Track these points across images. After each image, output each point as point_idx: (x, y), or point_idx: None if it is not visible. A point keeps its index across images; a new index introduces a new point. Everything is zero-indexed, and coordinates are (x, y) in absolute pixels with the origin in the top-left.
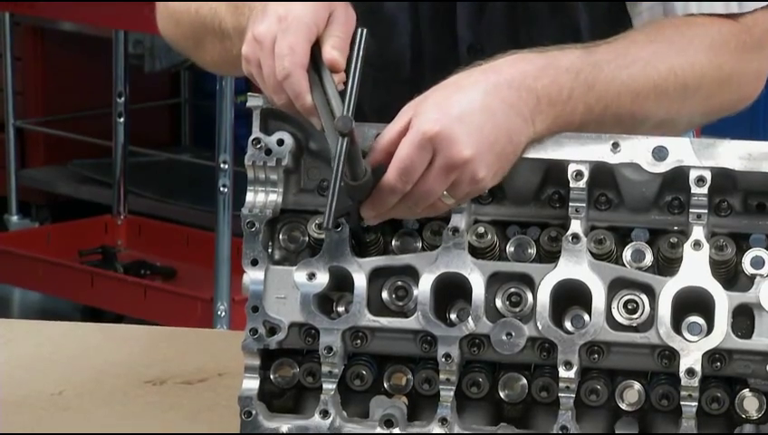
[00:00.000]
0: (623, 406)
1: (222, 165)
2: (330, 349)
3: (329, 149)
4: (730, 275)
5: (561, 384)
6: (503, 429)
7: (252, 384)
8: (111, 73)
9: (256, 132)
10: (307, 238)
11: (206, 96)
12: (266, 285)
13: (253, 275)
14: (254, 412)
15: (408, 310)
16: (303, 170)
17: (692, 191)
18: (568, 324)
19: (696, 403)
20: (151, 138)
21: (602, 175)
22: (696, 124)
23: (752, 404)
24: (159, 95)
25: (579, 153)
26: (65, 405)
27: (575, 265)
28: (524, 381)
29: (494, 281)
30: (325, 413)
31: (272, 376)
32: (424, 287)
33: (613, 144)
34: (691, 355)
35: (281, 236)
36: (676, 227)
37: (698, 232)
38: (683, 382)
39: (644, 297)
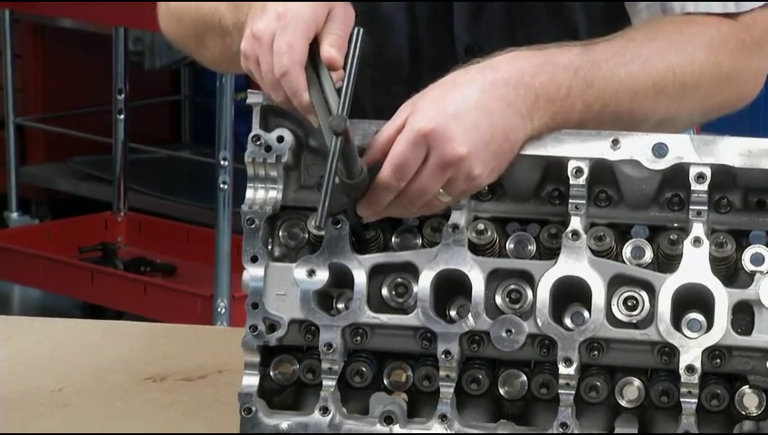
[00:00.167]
0: (623, 403)
1: (222, 162)
2: (329, 346)
3: (328, 146)
4: (730, 272)
5: (561, 381)
6: (502, 425)
7: (252, 381)
8: (111, 70)
9: (256, 129)
10: (307, 235)
11: (207, 93)
12: (266, 282)
13: (253, 272)
14: (253, 409)
15: (407, 307)
16: (303, 167)
17: (692, 188)
18: (568, 321)
19: (696, 400)
20: (151, 135)
21: (602, 172)
22: (696, 123)
23: (751, 401)
24: (159, 92)
25: (579, 150)
26: (65, 402)
27: (575, 262)
28: (524, 377)
29: (494, 278)
30: (325, 410)
31: (272, 373)
32: (424, 284)
33: (613, 141)
34: (691, 352)
35: (281, 233)
36: (675, 224)
37: (698, 229)
38: (683, 379)
39: (644, 294)
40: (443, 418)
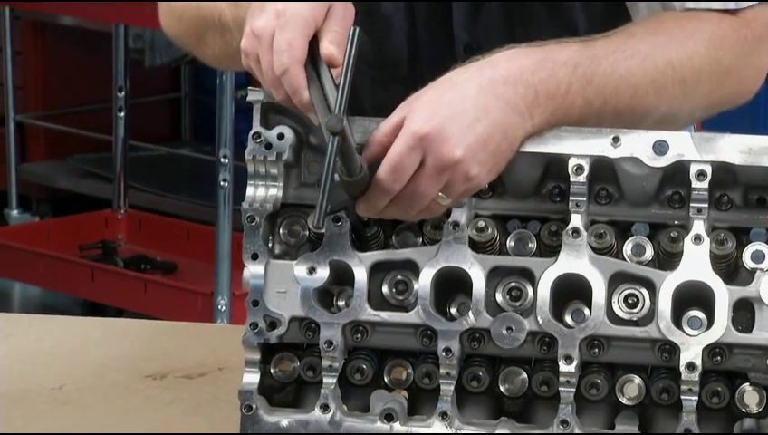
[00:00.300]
0: (623, 400)
1: (222, 159)
2: (330, 343)
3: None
4: (730, 270)
5: (562, 378)
6: (503, 423)
7: (252, 378)
8: (112, 68)
9: (257, 126)
10: (307, 233)
11: (207, 90)
12: (267, 280)
13: (253, 270)
14: (254, 406)
15: (408, 304)
16: (304, 164)
17: (692, 185)
18: (568, 319)
19: (697, 397)
20: (152, 132)
21: (603, 169)
22: (697, 118)
23: (752, 398)
24: (160, 90)
25: (579, 147)
26: (66, 399)
27: (575, 260)
28: (525, 375)
29: (495, 275)
30: (325, 407)
31: (272, 370)
32: (424, 281)
33: (614, 138)
34: (691, 349)
35: (281, 231)
36: (676, 222)
37: (699, 226)
38: (683, 377)
39: (644, 291)
40: (443, 415)
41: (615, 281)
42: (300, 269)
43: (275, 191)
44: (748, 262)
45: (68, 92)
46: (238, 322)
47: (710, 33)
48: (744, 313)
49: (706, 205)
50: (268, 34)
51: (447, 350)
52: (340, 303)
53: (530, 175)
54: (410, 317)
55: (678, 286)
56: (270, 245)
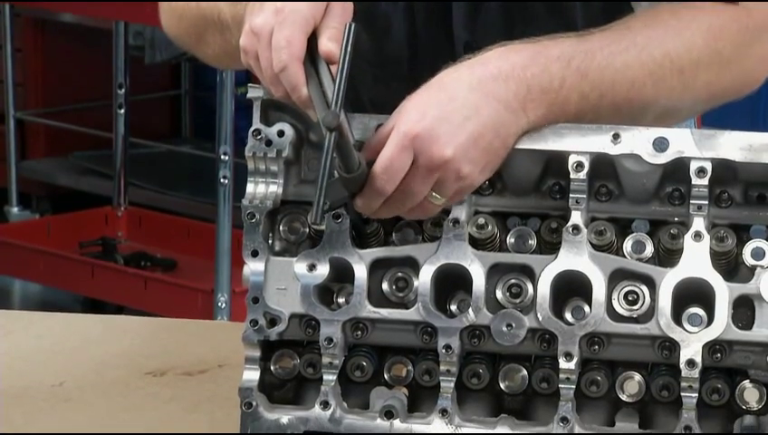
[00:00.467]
0: (623, 397)
1: (222, 156)
2: (330, 340)
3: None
4: (730, 267)
5: (562, 375)
6: (503, 420)
7: (252, 375)
8: (112, 65)
9: (257, 123)
10: (307, 230)
11: (207, 88)
12: (267, 277)
13: (253, 267)
14: (254, 403)
15: (408, 301)
16: (304, 161)
17: (692, 182)
18: (568, 316)
19: (697, 394)
20: (152, 129)
21: (603, 166)
22: (700, 111)
23: (752, 395)
24: (160, 87)
25: (579, 144)
26: (66, 396)
27: (575, 257)
28: (525, 372)
29: (495, 272)
30: (325, 404)
31: (272, 367)
32: (424, 278)
33: (614, 135)
34: (691, 346)
35: (281, 228)
36: (676, 219)
37: (699, 223)
38: (683, 374)
39: (644, 288)
40: (443, 412)
41: (615, 278)
42: (300, 266)
43: (275, 188)
44: (748, 259)
45: (68, 90)
46: (238, 319)
47: (709, 23)
48: (744, 310)
49: (707, 202)
50: (267, 32)
51: (447, 347)
52: (341, 300)
53: (530, 172)
54: (410, 314)
55: (678, 283)
56: (270, 242)
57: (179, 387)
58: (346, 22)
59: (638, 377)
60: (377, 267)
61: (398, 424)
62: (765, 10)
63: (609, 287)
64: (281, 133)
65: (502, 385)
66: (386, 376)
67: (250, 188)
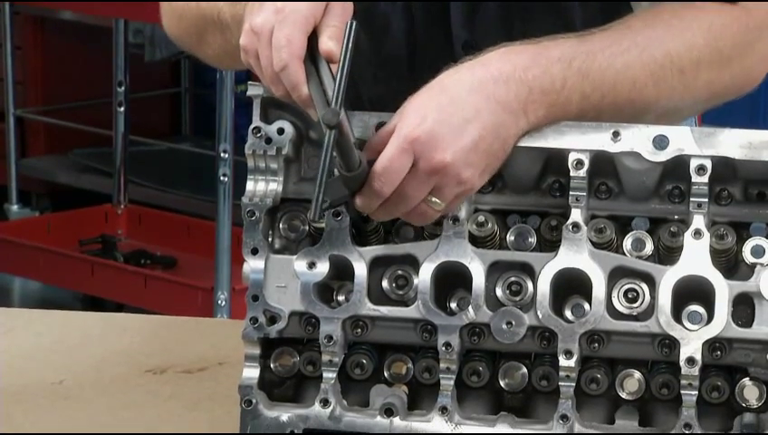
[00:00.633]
0: (623, 395)
1: (222, 154)
2: (330, 338)
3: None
4: (730, 264)
5: (562, 373)
6: (503, 418)
7: (252, 373)
8: (112, 63)
9: (256, 121)
10: (307, 227)
11: (207, 85)
12: (266, 274)
13: (253, 265)
14: (254, 401)
15: (408, 299)
16: (304, 159)
17: (692, 180)
18: (568, 313)
19: (697, 392)
20: (151, 127)
21: (603, 164)
22: (701, 110)
23: (752, 393)
24: (160, 84)
25: (579, 142)
26: (66, 394)
27: (575, 254)
28: (525, 370)
29: (495, 270)
30: (325, 402)
31: (272, 365)
32: (424, 276)
33: (614, 133)
34: (691, 344)
35: (281, 225)
36: (676, 216)
37: (699, 221)
38: (683, 371)
39: (644, 286)
40: (443, 410)
41: (615, 276)
42: (300, 264)
43: (275, 186)
44: (748, 256)
45: (68, 87)
46: (238, 316)
47: (709, 22)
48: (743, 307)
49: (706, 199)
50: (267, 31)
51: (447, 344)
52: (340, 297)
53: (530, 170)
54: (410, 312)
55: (678, 281)
56: (270, 239)
57: (179, 385)
58: (346, 21)
59: (637, 375)
60: (377, 265)
61: (397, 422)
62: (765, 9)
63: (608, 285)
64: (281, 131)
65: (502, 383)
66: (386, 374)
67: (250, 185)
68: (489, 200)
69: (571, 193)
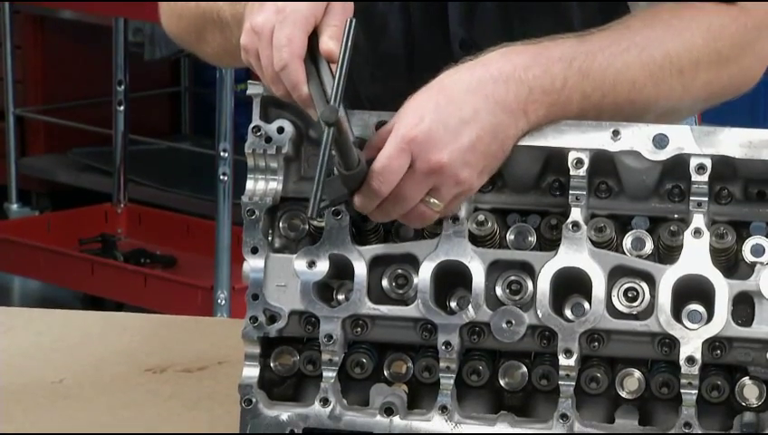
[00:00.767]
0: (623, 394)
1: (222, 153)
2: (330, 337)
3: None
4: (730, 263)
5: (562, 372)
6: (503, 417)
7: (252, 372)
8: (111, 62)
9: (256, 120)
10: (307, 226)
11: (207, 84)
12: (266, 273)
13: (253, 264)
14: (254, 400)
15: (408, 298)
16: (304, 158)
17: (692, 179)
18: (568, 312)
19: (696, 391)
20: (151, 126)
21: (603, 163)
22: (699, 110)
23: (752, 392)
24: (159, 83)
25: (579, 141)
26: (65, 393)
27: (575, 253)
28: (524, 369)
29: (495, 269)
30: (325, 401)
31: (272, 364)
32: (424, 275)
33: (613, 132)
34: (691, 343)
35: (281, 224)
36: (676, 215)
37: (699, 220)
38: (683, 370)
39: (644, 285)
40: (443, 409)
41: (615, 275)
42: (300, 263)
43: (275, 185)
44: (748, 255)
45: (68, 86)
46: (238, 316)
47: (708, 22)
48: (743, 306)
49: (706, 198)
50: (268, 30)
51: (447, 344)
52: (340, 296)
53: (530, 169)
54: (410, 311)
55: (678, 280)
56: (270, 238)
57: (179, 384)
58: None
59: (637, 374)
60: (377, 264)
61: (397, 421)
62: (763, 9)
63: (608, 284)
64: (280, 130)
65: (501, 382)
66: (386, 373)
67: (250, 184)
68: (489, 199)
69: (570, 192)
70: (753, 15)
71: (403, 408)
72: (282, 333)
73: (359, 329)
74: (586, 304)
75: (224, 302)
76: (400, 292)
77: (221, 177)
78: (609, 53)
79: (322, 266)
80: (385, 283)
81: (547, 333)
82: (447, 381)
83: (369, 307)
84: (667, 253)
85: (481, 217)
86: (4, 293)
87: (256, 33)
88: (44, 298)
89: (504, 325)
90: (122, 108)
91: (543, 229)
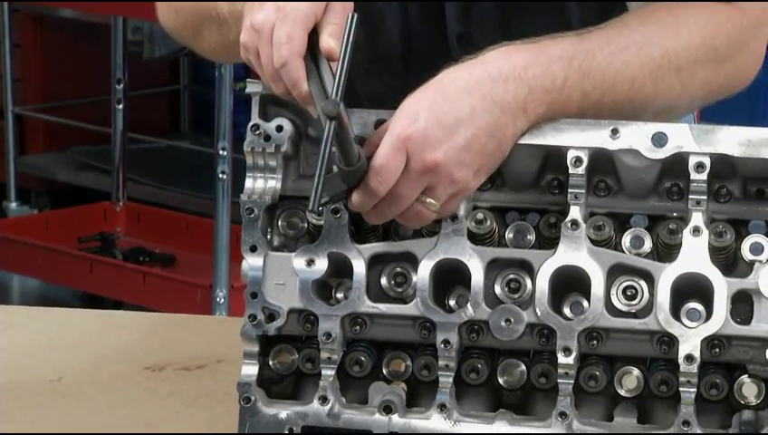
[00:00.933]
0: (622, 392)
1: (221, 152)
2: (329, 335)
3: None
4: (729, 262)
5: (560, 371)
6: (501, 415)
7: (251, 371)
8: (110, 60)
9: (255, 118)
10: (306, 225)
11: (206, 83)
12: (265, 272)
13: (252, 262)
14: (252, 399)
15: (407, 296)
16: (302, 157)
17: (691, 177)
18: (567, 311)
19: (695, 389)
20: (150, 125)
21: (602, 161)
22: (696, 107)
23: (750, 390)
24: (158, 82)
25: (578, 139)
26: (64, 392)
27: (574, 252)
28: (523, 367)
29: (494, 267)
30: (324, 399)
31: (271, 362)
32: (423, 274)
33: (612, 130)
34: (690, 341)
35: (280, 223)
36: (675, 214)
37: (697, 218)
38: (682, 369)
39: (643, 283)
40: (442, 407)
41: (614, 273)
42: (298, 261)
43: (274, 183)
44: (747, 254)
45: (67, 85)
46: (237, 314)
47: (705, 21)
48: (742, 305)
49: (705, 197)
50: (268, 28)
51: (446, 342)
52: (339, 295)
53: (529, 167)
54: (409, 309)
55: (677, 278)
56: (269, 237)
57: (178, 382)
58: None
59: (636, 372)
60: (375, 262)
61: (396, 419)
62: (759, 8)
63: (607, 282)
64: (279, 128)
65: (500, 380)
66: (384, 371)
67: (249, 183)
68: (488, 198)
69: (569, 190)
70: (748, 14)
71: (402, 406)
72: (280, 331)
73: (357, 327)
74: (585, 303)
75: (222, 300)
76: (399, 290)
77: (220, 175)
78: (609, 52)
79: (321, 265)
80: (384, 281)
81: (546, 332)
82: (446, 380)
83: (368, 305)
84: (666, 251)
85: (480, 216)
86: (3, 291)
87: (256, 30)
88: (43, 296)
89: (503, 324)
90: (121, 106)
91: (542, 228)
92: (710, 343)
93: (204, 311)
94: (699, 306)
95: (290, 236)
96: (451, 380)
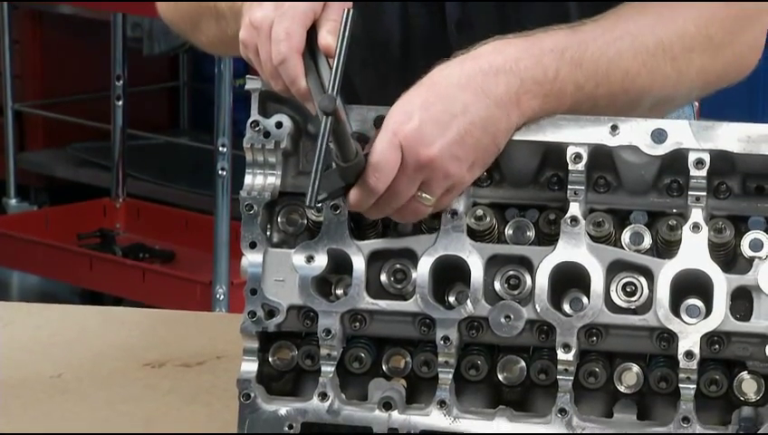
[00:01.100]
0: (621, 388)
1: (220, 148)
2: (328, 332)
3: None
4: (729, 258)
5: (560, 367)
6: (501, 411)
7: (250, 367)
8: (110, 57)
9: (255, 115)
10: (306, 221)
11: (205, 79)
12: (265, 268)
13: (251, 258)
14: (252, 395)
15: (406, 293)
16: (302, 153)
17: (691, 174)
18: (566, 307)
19: (695, 386)
20: (150, 121)
21: (601, 157)
22: (695, 97)
23: (750, 387)
24: (158, 78)
25: (577, 136)
26: (64, 388)
27: (574, 248)
28: (523, 363)
29: (493, 264)
30: (324, 396)
31: (270, 359)
32: (423, 270)
33: (612, 126)
34: (689, 338)
35: (279, 219)
36: (674, 210)
37: (697, 214)
38: (681, 365)
39: (642, 280)
40: (442, 404)
41: (613, 269)
42: (298, 258)
43: (274, 180)
44: (746, 250)
45: (66, 81)
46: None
47: (699, 9)
48: (742, 301)
49: (705, 193)
50: (267, 25)
51: (446, 338)
52: (339, 291)
53: (528, 163)
54: (409, 306)
55: (677, 275)
56: (268, 233)
57: (177, 378)
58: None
59: (636, 368)
60: (375, 259)
61: (396, 415)
62: None
63: (607, 279)
64: (279, 125)
65: (500, 377)
66: (384, 367)
67: (248, 179)
68: (487, 194)
69: (569, 187)
70: (741, 6)
71: (401, 402)
72: (280, 327)
73: (357, 324)
74: (584, 299)
75: (222, 297)
76: (399, 286)
77: (219, 172)
78: (602, 42)
79: (321, 261)
80: (383, 277)
81: (545, 328)
82: (446, 376)
83: (368, 302)
84: (666, 247)
85: (479, 212)
86: (3, 287)
87: (255, 28)
88: (43, 293)
89: (503, 320)
90: (121, 103)
91: (542, 224)
92: (710, 339)
93: (203, 307)
94: (699, 303)
95: (289, 232)
96: (451, 376)
